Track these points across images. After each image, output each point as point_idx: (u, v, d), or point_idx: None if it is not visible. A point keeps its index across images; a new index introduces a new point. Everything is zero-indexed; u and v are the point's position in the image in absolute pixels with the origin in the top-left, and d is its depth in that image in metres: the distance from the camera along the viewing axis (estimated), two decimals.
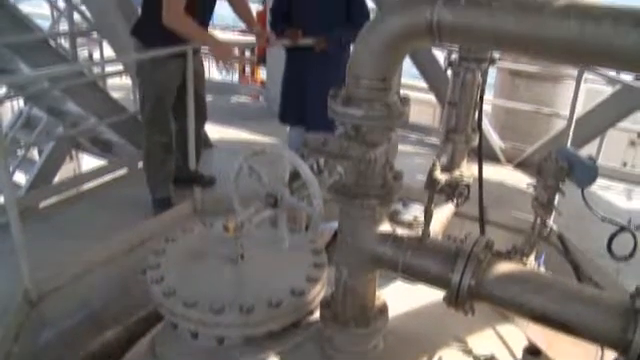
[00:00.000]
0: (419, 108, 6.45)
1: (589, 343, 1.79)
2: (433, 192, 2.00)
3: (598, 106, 5.27)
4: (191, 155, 4.24)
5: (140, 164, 4.59)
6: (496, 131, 5.96)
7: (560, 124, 5.56)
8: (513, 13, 1.63)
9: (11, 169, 6.30)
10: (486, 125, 5.18)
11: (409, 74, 5.65)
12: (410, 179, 2.20)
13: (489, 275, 1.87)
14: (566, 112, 4.85)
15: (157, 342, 2.47)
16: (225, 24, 10.66)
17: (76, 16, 6.19)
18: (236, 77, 10.45)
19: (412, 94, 6.41)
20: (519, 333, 2.87)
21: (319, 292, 2.46)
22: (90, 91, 5.09)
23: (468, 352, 2.53)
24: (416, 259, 1.97)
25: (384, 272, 2.13)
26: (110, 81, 6.25)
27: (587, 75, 4.55)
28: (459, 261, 1.87)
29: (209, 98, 4.53)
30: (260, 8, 7.78)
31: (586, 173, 2.21)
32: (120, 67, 5.53)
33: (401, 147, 2.06)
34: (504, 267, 1.91)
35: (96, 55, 8.57)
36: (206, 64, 5.47)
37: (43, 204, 4.38)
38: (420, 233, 2.01)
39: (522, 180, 5.13)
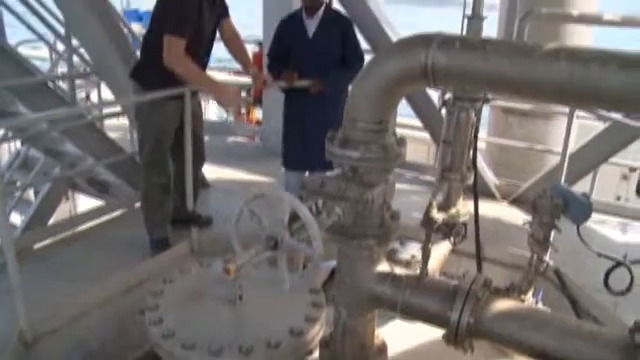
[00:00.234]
0: (414, 146, 6.51)
1: None
2: (430, 231, 2.02)
3: (591, 142, 5.35)
4: (189, 196, 4.27)
5: (137, 205, 4.60)
6: (490, 168, 6.01)
7: (553, 160, 5.62)
8: (506, 56, 1.68)
9: (7, 210, 6.28)
10: (481, 162, 5.23)
11: (403, 113, 5.72)
12: (406, 217, 2.22)
13: (488, 313, 1.88)
14: (559, 148, 4.91)
15: None
16: (222, 65, 10.80)
17: (74, 58, 6.27)
18: (232, 117, 10.54)
19: (407, 132, 6.52)
20: None
21: (318, 332, 2.46)
22: (88, 132, 5.13)
23: None
24: (415, 298, 1.98)
25: (383, 311, 2.14)
26: (107, 121, 6.30)
27: (579, 112, 4.64)
28: (457, 299, 1.88)
29: (205, 138, 4.57)
30: (256, 50, 7.90)
31: (581, 210, 2.24)
32: (118, 108, 5.59)
33: (397, 185, 2.09)
34: (502, 304, 1.93)
35: (93, 96, 8.68)
36: (204, 104, 5.53)
37: (38, 245, 4.36)
38: (418, 272, 2.02)
39: (517, 216, 5.15)
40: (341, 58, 4.36)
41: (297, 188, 4.53)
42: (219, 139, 7.40)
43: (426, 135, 6.18)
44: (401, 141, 1.94)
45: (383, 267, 2.06)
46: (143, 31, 10.70)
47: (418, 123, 6.11)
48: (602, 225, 5.10)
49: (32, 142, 5.92)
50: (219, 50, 4.51)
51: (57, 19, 6.01)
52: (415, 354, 2.85)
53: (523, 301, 2.44)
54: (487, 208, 5.04)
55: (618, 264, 2.13)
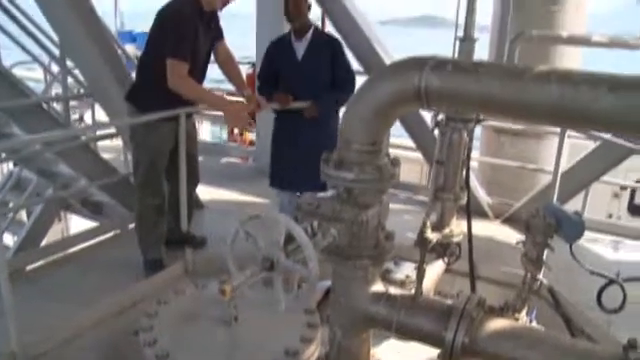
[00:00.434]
0: (407, 166, 6.56)
1: None
2: (425, 252, 2.04)
3: (582, 161, 5.42)
4: (183, 216, 4.27)
5: (131, 226, 4.60)
6: (483, 187, 6.06)
7: (545, 179, 5.67)
8: (498, 78, 1.70)
9: None
10: (473, 182, 5.27)
11: (396, 133, 5.77)
12: (400, 237, 2.23)
13: (482, 332, 1.89)
14: (550, 167, 4.97)
15: None
16: (216, 87, 10.88)
17: (69, 79, 6.29)
18: (226, 136, 10.60)
19: (399, 152, 6.55)
20: None
21: (313, 352, 2.46)
22: (82, 153, 5.14)
23: None
24: (409, 318, 1.99)
25: (378, 330, 2.15)
26: (101, 142, 6.31)
27: (570, 131, 4.70)
28: (452, 319, 1.89)
29: (199, 159, 4.59)
30: (250, 71, 7.95)
31: (574, 229, 2.27)
32: (112, 130, 5.60)
33: (390, 205, 2.11)
34: (497, 324, 1.94)
35: (87, 117, 8.68)
36: (197, 125, 5.56)
37: (31, 267, 4.34)
38: (412, 291, 2.03)
39: (510, 235, 5.19)
40: (330, 80, 4.38)
41: (288, 207, 4.56)
42: (213, 160, 7.42)
43: (419, 155, 6.23)
44: (395, 162, 1.96)
45: (378, 287, 2.07)
46: (137, 52, 10.79)
47: (411, 143, 6.16)
48: (594, 243, 5.14)
49: (25, 163, 5.92)
50: (213, 71, 4.55)
51: (52, 41, 6.04)
52: None
53: (517, 320, 2.45)
54: (480, 227, 5.07)
55: (611, 282, 2.15)
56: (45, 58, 6.75)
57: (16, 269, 4.07)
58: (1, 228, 5.53)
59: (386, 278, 2.69)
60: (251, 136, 9.60)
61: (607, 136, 4.68)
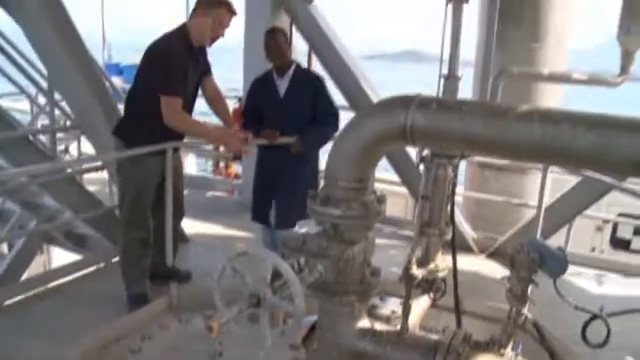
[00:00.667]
0: (392, 201, 6.58)
1: None
2: (410, 288, 2.05)
3: (565, 195, 5.49)
4: (168, 250, 4.25)
5: (115, 259, 4.56)
6: (468, 222, 6.10)
7: (529, 213, 5.73)
8: (481, 117, 1.75)
9: None
10: (458, 216, 5.30)
11: (381, 167, 5.83)
12: (385, 272, 2.25)
13: None
14: (534, 202, 5.03)
15: None
16: (203, 120, 10.93)
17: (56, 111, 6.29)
18: (211, 169, 10.62)
19: (385, 187, 6.58)
20: None
21: None
22: (68, 185, 5.12)
23: None
24: (396, 354, 1.99)
25: None
26: (87, 174, 6.29)
27: (553, 167, 4.77)
28: (438, 355, 1.90)
29: (184, 192, 4.59)
30: (236, 105, 7.99)
31: (557, 264, 2.29)
32: (98, 162, 5.59)
33: (375, 240, 2.12)
34: (483, 359, 1.94)
35: (72, 148, 8.65)
36: (183, 158, 5.57)
37: (11, 301, 4.25)
38: (398, 327, 2.04)
39: (495, 269, 5.21)
40: (312, 116, 4.43)
41: (269, 241, 4.56)
42: (198, 193, 7.41)
43: (404, 189, 6.28)
44: (381, 199, 1.99)
45: (364, 323, 2.08)
46: (124, 85, 10.83)
47: (396, 178, 6.21)
48: (578, 277, 5.18)
49: (9, 195, 5.88)
50: (198, 103, 4.58)
51: (39, 72, 6.06)
52: None
53: (503, 355, 2.45)
54: (465, 262, 5.07)
55: (594, 317, 2.17)
56: (32, 89, 6.76)
57: None
58: None
59: (372, 314, 2.68)
60: (237, 170, 9.63)
61: (588, 171, 4.76)
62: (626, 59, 5.42)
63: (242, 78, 6.53)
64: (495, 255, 5.68)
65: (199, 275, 4.55)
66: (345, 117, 4.59)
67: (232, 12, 4.03)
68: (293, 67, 4.46)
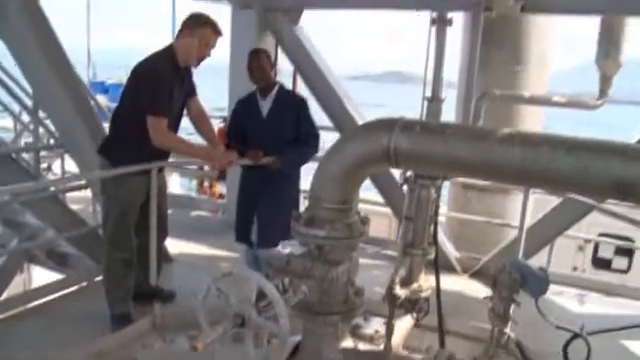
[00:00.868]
0: (376, 221, 6.62)
1: None
2: (394, 308, 2.07)
3: (546, 216, 5.57)
4: (152, 270, 4.23)
5: (98, 278, 4.52)
6: (451, 242, 6.14)
7: (512, 233, 5.78)
8: (464, 140, 1.79)
9: None
10: (441, 237, 5.35)
11: (365, 187, 5.86)
12: (369, 291, 2.27)
13: None
14: (516, 222, 5.08)
15: None
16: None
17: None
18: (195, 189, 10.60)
19: (368, 207, 6.59)
20: None
21: None
22: (50, 204, 5.09)
23: None
24: None
25: None
26: (70, 193, 6.25)
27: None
28: None
29: (168, 212, 4.58)
30: (221, 125, 8.01)
31: (538, 284, 2.34)
32: (82, 181, 5.56)
33: (359, 260, 2.15)
34: None
35: (55, 167, 8.60)
36: (167, 178, 5.57)
37: None
38: (382, 347, 2.06)
39: (478, 289, 5.24)
40: (295, 137, 4.47)
41: (252, 261, 4.56)
42: (182, 213, 7.38)
43: (388, 210, 6.31)
44: (364, 219, 2.01)
45: (347, 343, 2.09)
46: (109, 104, 10.82)
47: (380, 198, 6.25)
48: (560, 296, 5.23)
49: None
50: (184, 123, 4.60)
51: (24, 90, 6.05)
52: None
53: None
54: (448, 282, 5.11)
55: (576, 336, 2.21)
56: (15, 106, 6.73)
57: None
58: None
59: (355, 333, 2.70)
60: (221, 189, 9.62)
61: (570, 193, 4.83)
62: (604, 82, 5.55)
63: (227, 98, 6.55)
64: (478, 275, 5.71)
65: (183, 295, 4.52)
66: (331, 138, 4.64)
67: (218, 32, 4.07)
68: (276, 88, 4.50)
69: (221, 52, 4.98)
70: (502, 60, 6.58)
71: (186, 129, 4.46)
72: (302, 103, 4.56)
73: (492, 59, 6.38)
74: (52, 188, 5.42)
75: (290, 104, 4.51)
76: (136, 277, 4.24)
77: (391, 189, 5.80)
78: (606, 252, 9.18)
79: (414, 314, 3.13)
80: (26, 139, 7.61)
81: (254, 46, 5.11)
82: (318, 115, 4.92)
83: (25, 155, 6.42)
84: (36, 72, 4.64)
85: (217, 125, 7.25)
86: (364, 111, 6.35)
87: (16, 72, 5.22)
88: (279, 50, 6.37)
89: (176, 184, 10.62)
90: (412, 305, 3.09)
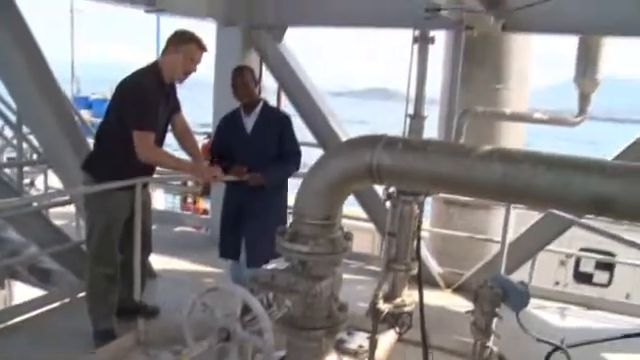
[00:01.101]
0: (359, 236, 6.66)
1: None
2: (377, 322, 2.10)
3: (528, 231, 5.65)
4: (136, 285, 4.22)
5: (81, 294, 4.49)
6: (434, 257, 6.19)
7: (494, 248, 5.85)
8: (445, 157, 1.82)
9: None
10: (424, 252, 5.39)
11: (348, 203, 5.90)
12: (352, 306, 2.28)
13: None
14: (499, 237, 5.14)
15: None
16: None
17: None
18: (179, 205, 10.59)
19: (352, 223, 6.62)
20: None
21: None
22: (34, 220, 5.06)
23: None
24: None
25: None
26: (53, 208, 6.21)
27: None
28: None
29: (152, 227, 4.58)
30: (205, 141, 8.02)
31: (519, 298, 2.38)
32: (66, 197, 5.54)
33: (343, 275, 2.17)
34: None
35: (38, 182, 8.55)
36: (152, 194, 5.56)
37: None
38: None
39: (461, 304, 5.28)
40: (278, 153, 4.50)
41: (236, 276, 4.55)
42: (166, 228, 7.36)
43: (371, 225, 6.36)
44: (348, 235, 2.04)
45: (331, 357, 2.11)
46: (92, 119, 10.78)
47: (363, 214, 6.30)
48: (542, 310, 5.29)
49: None
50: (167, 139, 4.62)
51: (6, 104, 6.02)
52: None
53: None
54: (432, 297, 5.15)
55: (556, 348, 2.25)
56: None
57: None
58: None
59: (339, 348, 2.71)
60: (204, 205, 9.62)
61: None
62: (583, 100, 5.68)
63: (212, 114, 6.57)
64: (461, 290, 5.76)
65: (167, 310, 4.52)
66: (316, 153, 4.68)
67: (202, 48, 4.11)
68: (260, 105, 4.53)
69: (206, 69, 5.01)
70: (483, 78, 6.69)
71: (170, 145, 4.47)
72: (286, 120, 4.59)
73: (474, 77, 6.48)
74: (35, 204, 5.38)
75: (274, 121, 4.55)
76: (120, 293, 4.23)
77: (374, 205, 5.86)
78: (587, 266, 9.30)
79: (397, 329, 3.15)
80: (9, 154, 7.56)
81: (238, 63, 5.16)
82: (302, 132, 4.96)
83: (8, 171, 6.38)
84: (20, 87, 4.64)
85: (201, 141, 7.27)
86: (348, 128, 6.41)
87: None
88: (263, 67, 6.42)
89: (160, 200, 10.60)
90: (395, 320, 3.12)
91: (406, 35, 3.63)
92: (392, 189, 3.36)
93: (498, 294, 2.41)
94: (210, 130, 7.20)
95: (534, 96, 8.45)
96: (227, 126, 4.63)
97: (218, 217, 4.83)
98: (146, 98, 3.89)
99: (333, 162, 1.95)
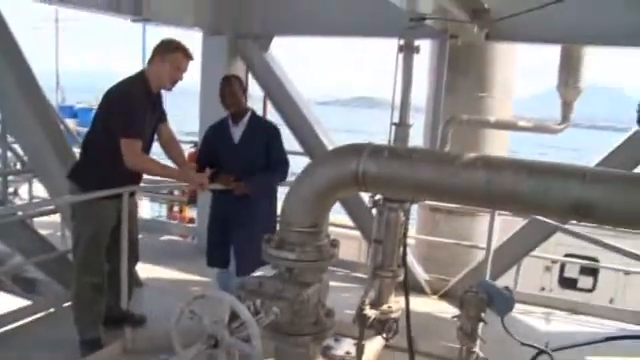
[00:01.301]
0: (345, 243, 6.67)
1: None
2: (364, 328, 2.12)
3: (512, 237, 5.71)
4: (123, 294, 4.21)
5: (66, 304, 4.47)
6: (420, 264, 6.22)
7: (480, 254, 5.88)
8: (430, 165, 1.86)
9: None
10: (411, 259, 5.42)
11: (335, 210, 5.93)
12: (339, 313, 2.30)
13: None
14: (484, 243, 5.19)
15: None
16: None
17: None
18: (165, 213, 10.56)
19: (338, 230, 6.63)
20: None
21: None
22: (18, 229, 5.03)
23: None
24: None
25: None
26: (38, 218, 6.18)
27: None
28: None
29: (139, 236, 4.57)
30: (192, 150, 8.01)
31: (504, 303, 2.42)
32: (52, 206, 5.51)
33: (329, 282, 2.19)
34: None
35: (21, 191, 8.48)
36: (139, 203, 5.55)
37: None
38: None
39: (447, 310, 5.31)
40: (266, 163, 4.51)
41: (223, 284, 4.55)
42: (152, 237, 7.33)
43: (357, 233, 6.38)
44: (334, 242, 2.07)
45: None
46: (78, 128, 10.72)
47: (350, 221, 6.32)
48: (527, 315, 5.34)
49: None
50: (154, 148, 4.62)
51: None
52: None
53: None
54: (418, 303, 5.18)
55: (540, 352, 2.29)
56: None
57: None
58: None
59: (327, 354, 2.73)
60: (191, 213, 9.59)
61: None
62: (566, 108, 5.76)
63: (198, 123, 6.57)
64: (447, 296, 5.79)
65: (154, 319, 4.50)
66: (301, 162, 4.70)
67: (189, 57, 4.13)
68: (249, 114, 4.54)
69: (192, 77, 5.03)
70: (468, 86, 6.74)
71: (157, 154, 4.47)
72: (274, 131, 4.59)
73: (458, 85, 6.53)
74: (20, 213, 5.34)
75: (262, 130, 4.55)
76: (107, 301, 4.22)
77: (360, 212, 5.88)
78: (572, 272, 9.38)
79: (384, 335, 3.17)
80: None
81: (225, 72, 5.17)
82: (288, 140, 4.97)
83: None
84: (4, 95, 4.63)
85: (187, 150, 7.27)
86: (334, 136, 6.45)
87: None
88: (249, 76, 6.44)
89: (146, 209, 10.55)
90: (382, 326, 3.14)
91: (392, 44, 3.67)
92: (378, 197, 3.39)
93: (483, 299, 2.45)
94: (197, 139, 7.21)
95: (518, 104, 8.54)
96: (215, 135, 4.64)
97: (205, 226, 4.83)
98: (133, 107, 3.89)
99: (320, 170, 1.97)
